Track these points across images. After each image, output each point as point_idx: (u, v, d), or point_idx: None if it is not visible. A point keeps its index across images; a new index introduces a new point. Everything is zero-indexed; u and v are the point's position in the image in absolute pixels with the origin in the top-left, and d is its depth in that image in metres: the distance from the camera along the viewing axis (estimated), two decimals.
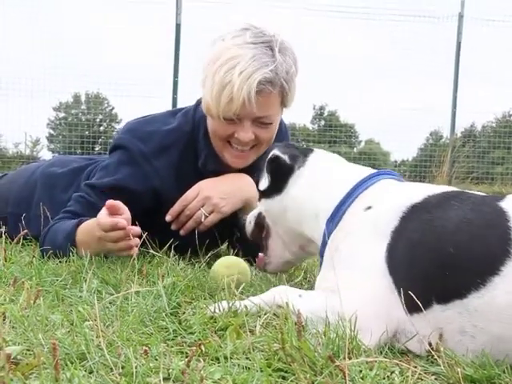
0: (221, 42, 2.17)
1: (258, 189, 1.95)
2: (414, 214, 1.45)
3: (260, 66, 2.07)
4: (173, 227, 2.30)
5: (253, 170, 2.29)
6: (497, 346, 1.24)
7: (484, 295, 1.24)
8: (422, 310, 1.30)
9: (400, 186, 1.65)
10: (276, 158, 1.85)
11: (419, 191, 1.53)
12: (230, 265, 1.91)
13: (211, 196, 2.25)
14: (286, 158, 1.84)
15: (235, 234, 2.33)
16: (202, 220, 2.26)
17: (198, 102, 2.36)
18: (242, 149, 2.25)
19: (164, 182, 2.29)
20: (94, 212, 2.11)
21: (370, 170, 1.75)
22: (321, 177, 1.78)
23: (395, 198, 1.54)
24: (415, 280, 1.35)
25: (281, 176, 1.84)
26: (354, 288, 1.40)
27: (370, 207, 1.57)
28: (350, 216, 1.60)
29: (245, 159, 2.31)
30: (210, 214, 2.26)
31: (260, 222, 1.97)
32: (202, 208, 2.25)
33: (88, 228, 2.13)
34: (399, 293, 1.36)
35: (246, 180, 2.31)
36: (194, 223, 2.28)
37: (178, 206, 2.29)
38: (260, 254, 1.98)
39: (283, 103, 2.24)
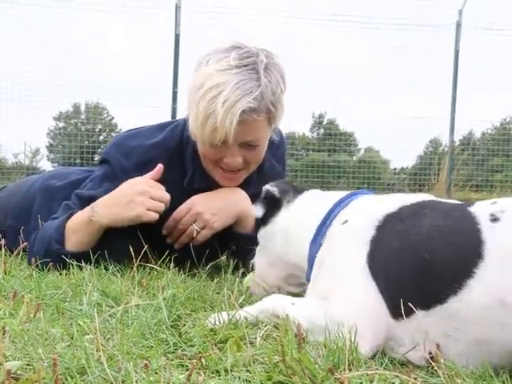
0: (204, 66, 2.11)
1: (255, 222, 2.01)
2: (388, 224, 1.49)
3: (243, 94, 2.03)
4: (168, 241, 2.32)
5: (245, 185, 2.29)
6: (480, 348, 1.26)
7: (461, 299, 1.27)
8: (406, 317, 1.34)
9: (374, 199, 1.70)
10: (267, 192, 1.94)
11: (393, 201, 1.57)
12: None
13: (203, 212, 2.25)
14: (275, 190, 1.92)
15: (230, 248, 2.34)
16: (194, 235, 2.27)
17: (188, 117, 2.28)
18: (232, 171, 2.26)
19: None
20: None
21: (348, 191, 1.81)
22: (305, 205, 1.85)
23: (370, 209, 1.58)
24: (397, 288, 1.38)
25: (271, 208, 1.92)
26: (342, 294, 1.44)
27: (346, 221, 1.61)
28: (330, 234, 1.66)
29: (235, 180, 2.32)
30: (201, 230, 2.26)
31: None
32: (194, 223, 2.26)
33: (80, 214, 2.21)
34: (385, 300, 1.39)
35: (240, 194, 2.31)
36: (187, 238, 2.29)
37: (172, 220, 2.29)
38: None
39: (270, 124, 2.22)
